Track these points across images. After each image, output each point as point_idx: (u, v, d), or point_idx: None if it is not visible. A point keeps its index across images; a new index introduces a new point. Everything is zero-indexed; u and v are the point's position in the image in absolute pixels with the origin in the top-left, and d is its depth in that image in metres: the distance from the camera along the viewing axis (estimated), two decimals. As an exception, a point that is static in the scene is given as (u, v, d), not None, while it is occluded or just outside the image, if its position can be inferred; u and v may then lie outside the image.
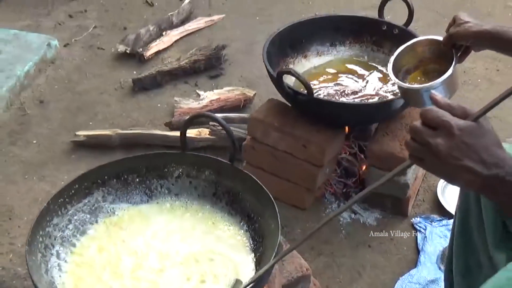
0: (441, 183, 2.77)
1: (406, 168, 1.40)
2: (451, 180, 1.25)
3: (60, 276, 1.75)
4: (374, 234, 2.63)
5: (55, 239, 1.82)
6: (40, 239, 1.77)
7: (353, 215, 2.68)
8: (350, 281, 2.45)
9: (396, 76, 2.22)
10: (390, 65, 2.24)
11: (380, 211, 2.70)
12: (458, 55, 2.13)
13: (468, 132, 1.17)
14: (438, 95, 1.26)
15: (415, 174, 2.70)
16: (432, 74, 2.24)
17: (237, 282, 1.67)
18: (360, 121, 2.68)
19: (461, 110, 1.20)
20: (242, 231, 1.89)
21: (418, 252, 2.54)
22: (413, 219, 2.67)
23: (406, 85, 2.17)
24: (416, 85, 2.19)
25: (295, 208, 2.69)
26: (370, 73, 2.81)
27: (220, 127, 2.93)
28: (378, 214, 2.69)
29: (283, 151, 2.61)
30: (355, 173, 2.72)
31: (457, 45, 2.12)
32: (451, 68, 2.07)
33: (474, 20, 2.00)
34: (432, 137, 1.18)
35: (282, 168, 2.65)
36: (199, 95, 3.26)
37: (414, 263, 2.50)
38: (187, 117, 2.93)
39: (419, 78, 2.30)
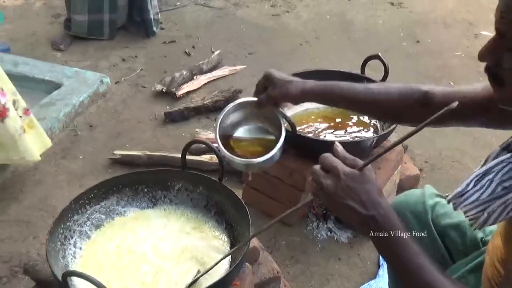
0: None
1: (308, 202, 1.45)
2: (338, 215, 1.30)
3: (74, 261, 1.79)
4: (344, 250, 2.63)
5: (74, 232, 1.86)
6: (61, 231, 1.81)
7: (329, 233, 2.68)
8: (319, 286, 2.47)
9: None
10: (217, 124, 1.81)
11: (351, 231, 2.69)
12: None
13: (351, 177, 1.21)
14: (339, 146, 1.32)
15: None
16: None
17: (198, 272, 1.72)
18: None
19: (351, 160, 1.25)
20: (224, 236, 1.91)
21: (379, 266, 2.54)
22: (378, 239, 2.66)
23: (237, 158, 1.80)
24: (240, 160, 1.79)
25: (283, 223, 2.71)
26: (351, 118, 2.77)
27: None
28: (350, 233, 2.68)
29: (274, 176, 2.63)
30: (334, 199, 2.72)
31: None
32: (279, 143, 1.74)
33: (287, 76, 1.74)
34: (324, 178, 1.24)
35: (273, 190, 2.67)
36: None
37: (374, 275, 2.50)
38: (203, 145, 2.99)
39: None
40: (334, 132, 2.70)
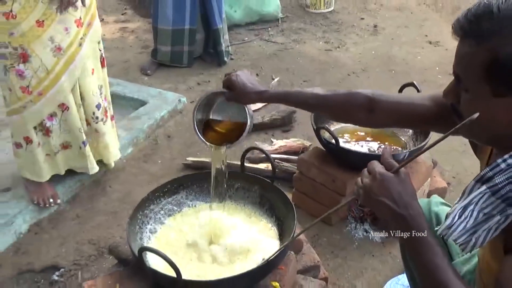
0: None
1: (349, 201, 1.48)
2: (373, 209, 1.32)
3: (148, 242, 1.86)
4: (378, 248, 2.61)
5: (149, 218, 1.93)
6: (139, 217, 1.89)
7: (365, 233, 2.64)
8: (354, 277, 2.45)
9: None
10: (194, 111, 1.82)
11: (384, 233, 2.65)
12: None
13: (386, 178, 1.24)
14: (388, 149, 1.35)
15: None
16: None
17: (263, 259, 1.73)
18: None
19: (388, 164, 1.28)
20: (275, 228, 1.95)
21: (407, 263, 2.51)
22: (407, 241, 2.62)
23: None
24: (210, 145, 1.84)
25: (325, 223, 2.70)
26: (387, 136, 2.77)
27: (282, 163, 3.04)
28: (383, 234, 2.64)
29: (319, 182, 2.64)
30: (370, 204, 2.69)
31: None
32: (244, 134, 1.78)
33: (249, 80, 1.72)
34: (366, 178, 1.28)
35: (318, 194, 2.68)
36: (272, 142, 3.35)
37: (403, 271, 2.45)
38: (262, 154, 3.03)
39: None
40: (370, 145, 2.71)
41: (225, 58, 4.59)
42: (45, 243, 2.68)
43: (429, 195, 2.84)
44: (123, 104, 3.81)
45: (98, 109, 2.73)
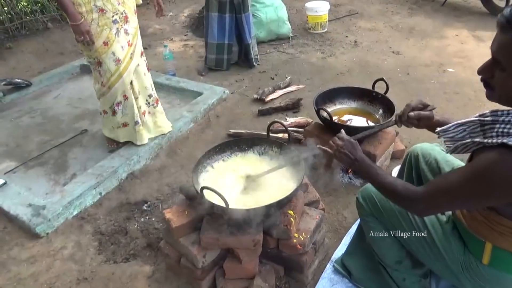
0: (395, 170, 2.65)
1: (325, 150, 1.65)
2: (339, 159, 1.51)
3: (206, 183, 1.85)
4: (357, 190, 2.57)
5: (206, 168, 1.92)
6: (199, 168, 1.88)
7: (349, 180, 2.61)
8: (342, 209, 2.42)
9: None
10: None
11: (363, 179, 2.61)
12: None
13: (348, 141, 1.50)
14: (343, 131, 1.60)
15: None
16: None
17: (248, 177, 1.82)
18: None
19: (347, 137, 1.54)
20: (288, 171, 1.91)
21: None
22: (378, 184, 2.57)
23: None
24: None
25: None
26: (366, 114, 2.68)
27: (293, 133, 2.99)
28: (362, 180, 2.61)
29: (317, 145, 2.59)
30: (353, 160, 2.64)
31: None
32: None
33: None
34: (338, 140, 1.52)
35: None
36: (286, 119, 3.29)
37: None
38: (281, 127, 2.99)
39: None
40: (353, 121, 2.63)
41: (254, 63, 4.49)
42: (137, 185, 2.70)
43: (392, 155, 2.79)
44: (187, 94, 3.79)
45: (150, 98, 2.84)
